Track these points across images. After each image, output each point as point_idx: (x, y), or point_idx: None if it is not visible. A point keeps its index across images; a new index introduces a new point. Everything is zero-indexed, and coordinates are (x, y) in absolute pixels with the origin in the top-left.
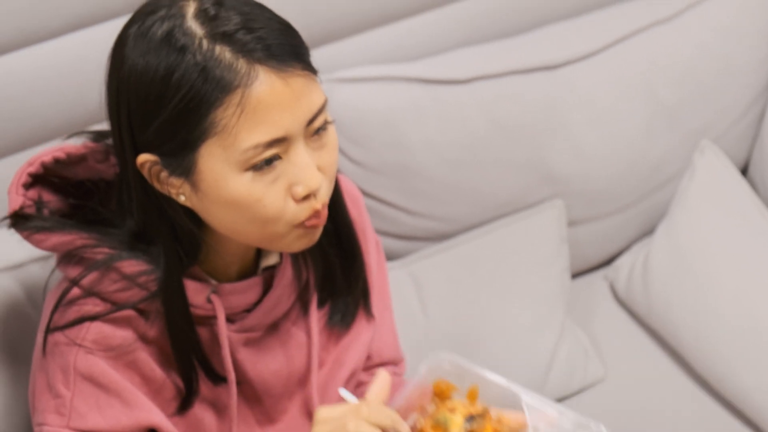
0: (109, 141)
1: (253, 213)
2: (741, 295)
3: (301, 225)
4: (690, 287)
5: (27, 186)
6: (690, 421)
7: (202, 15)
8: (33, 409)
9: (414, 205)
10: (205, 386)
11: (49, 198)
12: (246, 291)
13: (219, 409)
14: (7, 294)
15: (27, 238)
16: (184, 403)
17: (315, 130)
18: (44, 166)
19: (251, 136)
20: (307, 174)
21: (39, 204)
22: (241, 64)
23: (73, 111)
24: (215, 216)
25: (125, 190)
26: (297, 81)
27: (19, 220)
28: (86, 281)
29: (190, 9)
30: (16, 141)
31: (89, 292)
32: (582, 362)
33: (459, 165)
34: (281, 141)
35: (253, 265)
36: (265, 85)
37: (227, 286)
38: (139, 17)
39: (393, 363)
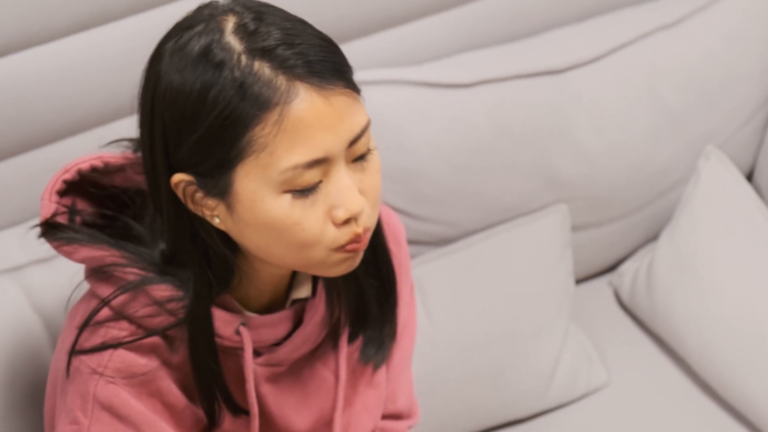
0: None
1: (291, 236)
2: (745, 301)
3: (341, 249)
4: (694, 293)
5: (61, 193)
6: (694, 427)
7: (241, 30)
8: (48, 428)
9: (418, 210)
10: (227, 417)
11: (83, 206)
12: (276, 325)
13: None
14: (6, 296)
15: (56, 248)
16: None
17: (358, 155)
18: (81, 173)
19: (290, 156)
20: (349, 197)
21: (72, 212)
22: (281, 80)
23: (75, 113)
24: (251, 239)
25: (156, 211)
26: (339, 99)
27: (49, 229)
28: (116, 302)
29: (229, 24)
30: (17, 143)
31: (119, 315)
32: (586, 368)
33: (463, 169)
34: (322, 162)
35: (284, 295)
36: (306, 103)
37: (257, 319)
38: (175, 32)
39: (407, 415)
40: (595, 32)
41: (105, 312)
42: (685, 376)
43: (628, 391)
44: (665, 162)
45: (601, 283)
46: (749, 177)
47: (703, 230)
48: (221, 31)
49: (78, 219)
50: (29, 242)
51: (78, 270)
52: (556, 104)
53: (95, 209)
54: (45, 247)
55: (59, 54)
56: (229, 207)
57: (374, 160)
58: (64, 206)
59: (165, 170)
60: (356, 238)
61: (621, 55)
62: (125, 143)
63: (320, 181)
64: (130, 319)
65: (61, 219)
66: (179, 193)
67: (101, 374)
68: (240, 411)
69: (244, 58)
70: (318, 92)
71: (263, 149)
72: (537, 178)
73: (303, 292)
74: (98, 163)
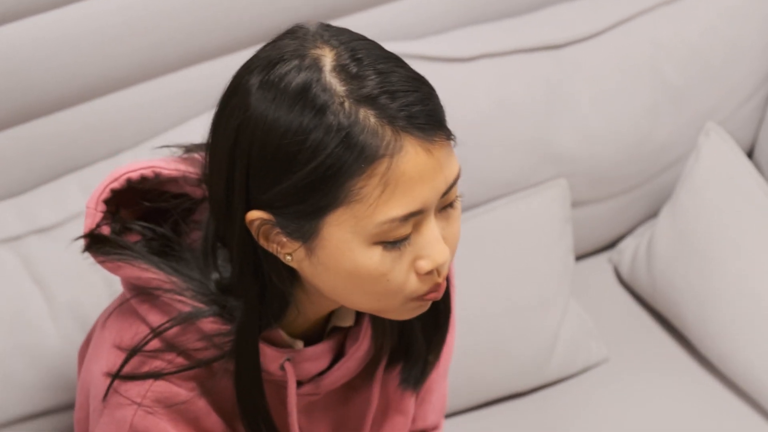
0: (202, 159)
1: (374, 286)
2: (745, 277)
3: (419, 298)
4: (694, 269)
5: (107, 201)
6: (692, 399)
7: (342, 71)
8: None
9: None
10: None
11: (125, 215)
12: (319, 357)
13: None
14: (5, 267)
15: (100, 263)
16: None
17: (447, 203)
18: (130, 182)
19: (390, 209)
20: (436, 249)
21: (116, 221)
22: (387, 132)
23: (73, 84)
24: (327, 283)
25: (218, 240)
26: (440, 151)
27: (93, 243)
28: (168, 334)
29: (327, 61)
30: (15, 114)
31: (168, 347)
32: (586, 343)
33: (462, 143)
34: (417, 214)
35: (325, 320)
36: (411, 156)
37: (301, 354)
38: (263, 63)
39: (433, 428)
40: (595, 8)
41: (153, 342)
42: (684, 351)
43: (628, 366)
44: (666, 138)
45: (601, 259)
46: (750, 154)
47: (703, 207)
48: (320, 70)
49: (118, 225)
50: (27, 212)
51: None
52: (556, 79)
53: (137, 217)
54: (43, 217)
55: (58, 23)
56: (310, 251)
57: (459, 208)
58: (110, 213)
59: (242, 205)
60: (436, 287)
61: (621, 31)
62: (175, 149)
63: (410, 233)
64: (178, 350)
65: (105, 230)
66: (252, 230)
67: (140, 404)
68: None
69: (347, 104)
70: (422, 145)
71: (360, 200)
72: (537, 153)
73: (346, 320)
74: (149, 173)
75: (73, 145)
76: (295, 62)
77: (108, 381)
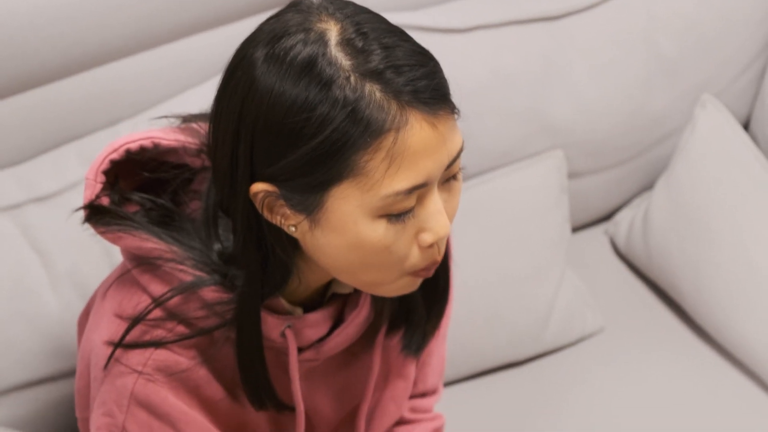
0: (201, 130)
1: (376, 258)
2: (740, 247)
3: (414, 273)
4: (690, 240)
5: (106, 172)
6: (688, 369)
7: (347, 45)
8: (81, 406)
9: None
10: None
11: (124, 185)
12: (319, 324)
13: (276, 430)
14: (4, 235)
15: (101, 234)
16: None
17: (450, 176)
18: (129, 153)
19: (393, 182)
20: (439, 221)
21: (115, 192)
22: (393, 106)
23: (72, 52)
24: (328, 255)
25: (221, 211)
26: (444, 125)
27: (93, 214)
28: (170, 303)
29: (332, 35)
30: (15, 83)
31: (170, 316)
32: (581, 312)
33: (459, 114)
34: (422, 187)
35: (324, 287)
36: (416, 130)
37: (301, 320)
38: (266, 38)
39: (433, 391)
40: None
41: (155, 311)
42: (679, 321)
43: (623, 336)
44: (661, 110)
45: (597, 231)
46: (745, 126)
47: (699, 178)
48: (325, 44)
49: (117, 196)
50: (27, 181)
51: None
52: (551, 51)
53: (136, 187)
54: (42, 186)
55: None
56: (314, 223)
57: (461, 180)
58: (109, 183)
59: (246, 178)
60: (432, 265)
61: (616, 3)
62: (173, 119)
63: (414, 205)
64: (180, 319)
65: (104, 201)
66: (256, 202)
67: (141, 372)
68: (283, 407)
69: (354, 79)
70: (427, 119)
71: (366, 174)
72: (533, 123)
73: (346, 287)
74: (148, 144)
75: (73, 115)
76: (300, 36)
77: (109, 350)
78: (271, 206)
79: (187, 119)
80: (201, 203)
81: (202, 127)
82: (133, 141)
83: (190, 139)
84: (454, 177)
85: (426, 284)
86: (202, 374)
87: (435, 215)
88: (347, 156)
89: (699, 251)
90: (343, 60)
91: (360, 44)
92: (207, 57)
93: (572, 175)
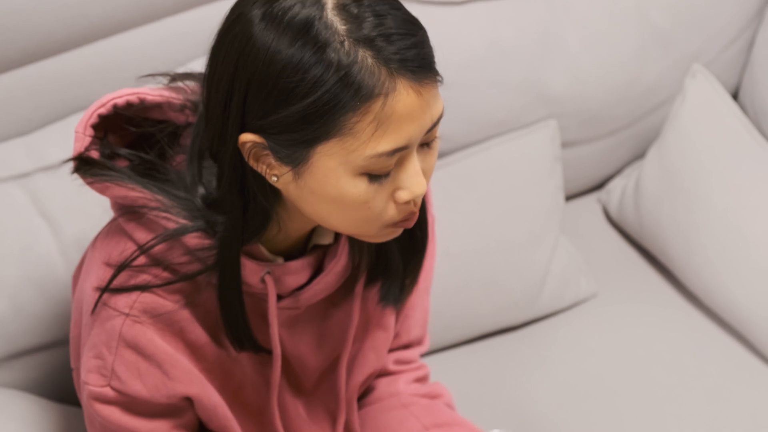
0: (186, 89)
1: (356, 212)
2: (730, 213)
3: (393, 225)
4: (681, 206)
5: (97, 126)
6: (678, 332)
7: (343, 11)
8: (75, 356)
9: None
10: (249, 356)
11: (113, 141)
12: (299, 272)
13: (259, 376)
14: (14, 202)
15: (89, 184)
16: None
17: (429, 140)
18: (116, 108)
19: (377, 144)
20: (416, 181)
21: (104, 146)
22: (383, 72)
23: (76, 25)
24: (310, 205)
25: (207, 158)
26: (429, 93)
27: (83, 165)
28: (155, 250)
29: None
30: (22, 55)
31: (156, 262)
32: (575, 278)
33: (454, 84)
34: (403, 149)
35: (305, 238)
36: (402, 96)
37: (281, 267)
38: None
39: (418, 343)
40: None
41: (140, 258)
42: (670, 286)
43: (616, 301)
44: (653, 80)
45: (591, 200)
46: (735, 96)
47: (689, 147)
48: (322, 7)
49: (107, 151)
50: (35, 150)
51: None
52: (546, 23)
53: (123, 143)
54: (50, 155)
55: None
56: (298, 175)
57: (437, 143)
58: (98, 138)
59: (236, 128)
60: (410, 216)
61: None
62: (160, 78)
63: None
64: (164, 265)
65: (94, 154)
66: (243, 151)
67: (128, 314)
68: (261, 350)
69: (347, 44)
70: (413, 87)
71: (352, 135)
72: (528, 93)
73: (326, 238)
74: (134, 99)
75: (78, 86)
76: None
77: (97, 295)
78: (257, 156)
79: (175, 78)
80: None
81: (188, 86)
82: (120, 96)
83: (174, 95)
84: (433, 140)
85: (402, 237)
86: (186, 317)
87: (413, 175)
88: (336, 117)
89: (689, 218)
90: (338, 24)
91: (355, 11)
92: (209, 29)
93: (566, 145)
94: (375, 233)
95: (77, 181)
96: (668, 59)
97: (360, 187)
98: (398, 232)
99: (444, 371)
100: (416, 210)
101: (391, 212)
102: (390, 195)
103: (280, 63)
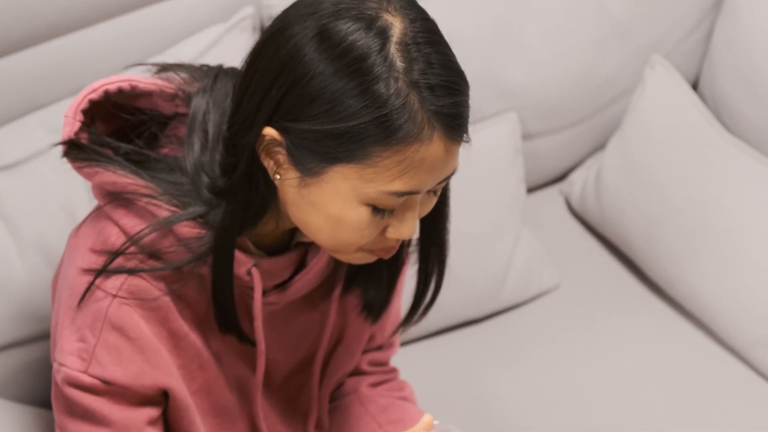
0: (177, 78)
1: (346, 234)
2: (690, 202)
3: (370, 251)
4: (642, 197)
5: (85, 112)
6: (641, 321)
7: (404, 50)
8: (54, 343)
9: None
10: (231, 349)
11: (101, 128)
12: (283, 268)
13: (235, 370)
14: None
15: (77, 169)
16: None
17: (435, 189)
18: (107, 94)
19: (393, 183)
20: (408, 225)
21: (93, 132)
22: (423, 121)
23: (34, 21)
24: (303, 213)
25: (221, 147)
26: (455, 150)
27: (71, 149)
28: (145, 240)
29: (396, 32)
30: (18, 39)
31: (145, 251)
32: (537, 269)
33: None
34: (413, 194)
35: (289, 236)
36: (435, 147)
37: (267, 262)
38: (330, 10)
39: (389, 345)
40: None
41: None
42: (632, 276)
43: (579, 291)
44: (612, 71)
45: (552, 191)
46: (694, 86)
47: (649, 138)
48: (387, 39)
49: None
50: None
51: (42, 176)
52: (504, 15)
53: (110, 129)
54: (7, 154)
55: None
56: (305, 183)
57: (439, 193)
58: (86, 124)
59: (264, 121)
60: (390, 250)
61: None
62: (149, 67)
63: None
64: (154, 254)
65: (83, 139)
66: (260, 142)
67: (115, 296)
68: (244, 337)
69: (401, 83)
70: (446, 142)
71: (374, 167)
72: (487, 86)
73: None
74: (126, 86)
75: (36, 84)
76: (363, 23)
77: (83, 278)
78: (270, 151)
79: (165, 68)
80: (175, 146)
81: (180, 76)
82: (112, 83)
83: (167, 83)
84: (438, 190)
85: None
86: (170, 307)
87: (408, 219)
88: (367, 146)
89: (650, 208)
90: (398, 61)
91: (414, 53)
92: (167, 26)
93: (526, 137)
94: (350, 254)
95: (36, 182)
96: (627, 50)
97: (362, 215)
98: (371, 259)
99: (406, 365)
100: (397, 247)
101: (375, 241)
102: (383, 228)
103: (327, 81)
